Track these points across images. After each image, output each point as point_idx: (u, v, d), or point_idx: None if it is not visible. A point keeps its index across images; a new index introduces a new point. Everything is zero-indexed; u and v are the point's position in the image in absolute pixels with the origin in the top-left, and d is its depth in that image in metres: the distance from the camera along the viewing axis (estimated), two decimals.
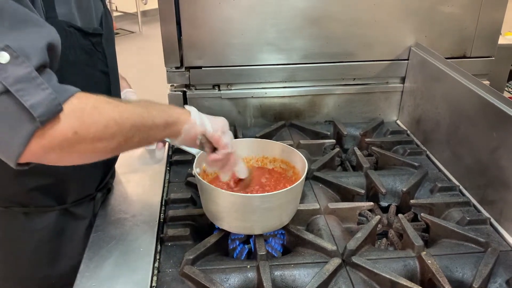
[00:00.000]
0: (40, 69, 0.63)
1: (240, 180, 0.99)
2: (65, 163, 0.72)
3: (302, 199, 1.09)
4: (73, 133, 0.64)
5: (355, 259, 0.90)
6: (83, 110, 0.66)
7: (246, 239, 1.04)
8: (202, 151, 0.99)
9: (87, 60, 0.89)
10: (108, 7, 1.07)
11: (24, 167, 0.67)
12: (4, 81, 0.59)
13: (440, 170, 1.28)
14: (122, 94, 1.20)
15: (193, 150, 1.00)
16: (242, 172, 0.96)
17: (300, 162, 1.01)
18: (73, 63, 0.84)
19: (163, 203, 1.10)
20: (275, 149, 1.08)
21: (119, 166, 1.17)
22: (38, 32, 0.64)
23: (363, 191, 1.16)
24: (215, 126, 0.87)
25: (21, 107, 0.60)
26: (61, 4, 0.80)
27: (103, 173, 1.05)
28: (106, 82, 0.96)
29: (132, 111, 0.74)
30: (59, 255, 0.99)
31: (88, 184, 1.01)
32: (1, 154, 0.64)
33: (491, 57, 1.50)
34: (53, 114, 0.62)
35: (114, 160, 1.11)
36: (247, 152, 1.08)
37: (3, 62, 0.59)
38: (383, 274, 0.86)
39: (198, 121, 0.84)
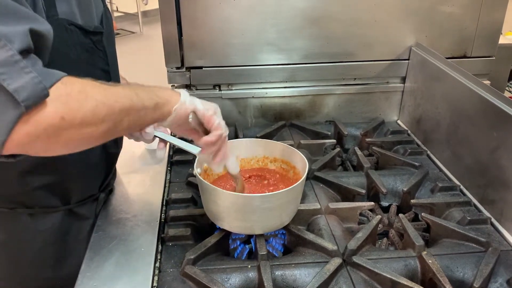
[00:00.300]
0: (23, 53, 0.60)
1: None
2: (51, 152, 0.68)
3: (303, 199, 1.09)
4: (60, 119, 0.61)
5: (356, 259, 0.90)
6: (69, 94, 0.63)
7: (247, 239, 1.04)
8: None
9: (88, 59, 0.89)
10: (109, 7, 1.08)
11: (9, 159, 0.64)
12: None
13: (440, 170, 1.28)
14: None
15: (193, 150, 1.00)
16: (233, 167, 0.94)
17: (300, 162, 1.01)
18: (74, 61, 0.84)
19: (164, 203, 1.10)
20: (276, 149, 1.08)
21: (120, 167, 1.17)
22: (21, 20, 0.62)
23: (363, 191, 1.16)
24: (206, 106, 0.84)
25: (4, 92, 0.57)
26: (61, 2, 0.80)
27: (105, 172, 1.05)
28: (107, 81, 0.96)
29: (120, 94, 0.71)
30: (63, 256, 0.99)
31: (91, 183, 1.02)
32: None
33: (492, 57, 1.50)
34: (38, 98, 0.59)
35: (115, 159, 1.11)
36: (248, 152, 1.08)
37: None
38: (384, 274, 0.86)
39: (188, 101, 0.81)
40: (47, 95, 0.60)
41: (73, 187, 0.96)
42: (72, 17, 0.83)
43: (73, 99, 0.64)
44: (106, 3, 1.04)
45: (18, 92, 0.57)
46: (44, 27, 0.65)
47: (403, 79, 1.53)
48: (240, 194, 0.97)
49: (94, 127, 0.66)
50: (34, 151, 0.65)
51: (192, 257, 0.89)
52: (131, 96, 0.72)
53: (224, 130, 0.85)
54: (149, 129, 0.97)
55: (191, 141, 0.94)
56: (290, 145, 1.09)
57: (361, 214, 1.10)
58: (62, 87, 0.63)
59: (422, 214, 1.06)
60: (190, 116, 0.82)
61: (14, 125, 0.58)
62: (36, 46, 0.63)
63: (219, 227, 0.98)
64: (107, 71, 0.95)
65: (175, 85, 1.46)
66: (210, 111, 0.83)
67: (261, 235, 0.95)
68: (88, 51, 0.89)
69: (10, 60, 0.57)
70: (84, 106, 0.64)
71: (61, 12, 0.79)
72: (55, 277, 0.99)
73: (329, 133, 1.47)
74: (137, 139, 1.07)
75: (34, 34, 0.63)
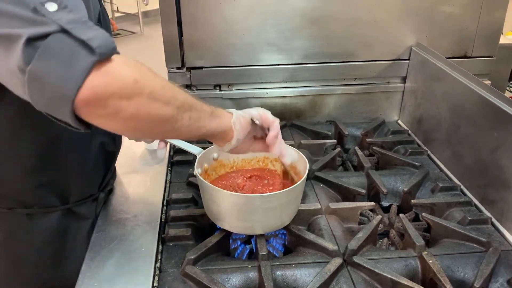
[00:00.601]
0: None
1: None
2: (119, 124, 0.66)
3: (303, 199, 1.09)
4: (133, 81, 0.62)
5: (356, 259, 0.90)
6: (140, 64, 0.65)
7: (248, 239, 1.04)
8: (203, 151, 1.00)
9: None
10: (110, 8, 1.07)
11: (82, 126, 0.63)
12: (58, 21, 0.58)
13: (441, 170, 1.28)
14: None
15: (194, 150, 1.00)
16: (292, 158, 0.96)
17: (301, 162, 1.01)
18: None
19: (165, 203, 1.10)
20: None
21: (120, 167, 1.17)
22: None
23: (364, 191, 1.16)
24: (254, 109, 0.90)
25: (76, 40, 0.59)
26: None
27: (103, 171, 1.05)
28: None
29: (180, 89, 0.74)
30: (62, 256, 0.99)
31: (90, 182, 1.01)
32: (57, 93, 0.59)
33: (492, 57, 1.50)
34: (110, 49, 0.60)
35: (113, 158, 1.11)
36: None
37: (52, 10, 0.59)
38: (385, 274, 0.86)
39: (241, 112, 0.86)
40: (115, 49, 0.61)
41: (72, 186, 0.96)
42: None
43: (144, 68, 0.66)
44: (107, 3, 1.04)
45: (91, 40, 0.59)
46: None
47: (404, 79, 1.53)
48: (241, 194, 0.97)
49: (160, 104, 0.67)
50: (103, 116, 0.63)
51: (192, 257, 0.89)
52: (189, 95, 0.75)
53: (276, 119, 0.90)
54: None
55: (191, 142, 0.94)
56: (291, 145, 1.09)
57: (361, 214, 1.10)
58: (130, 58, 0.65)
59: (423, 214, 1.06)
60: (257, 121, 0.87)
61: (90, 71, 0.59)
62: None
63: (220, 227, 0.98)
64: None
65: (176, 85, 1.46)
66: (260, 110, 0.89)
67: (262, 235, 0.95)
68: None
69: (80, 20, 0.61)
70: (153, 79, 0.66)
71: None
72: (55, 277, 0.99)
73: (330, 133, 1.47)
74: (138, 139, 1.07)
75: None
